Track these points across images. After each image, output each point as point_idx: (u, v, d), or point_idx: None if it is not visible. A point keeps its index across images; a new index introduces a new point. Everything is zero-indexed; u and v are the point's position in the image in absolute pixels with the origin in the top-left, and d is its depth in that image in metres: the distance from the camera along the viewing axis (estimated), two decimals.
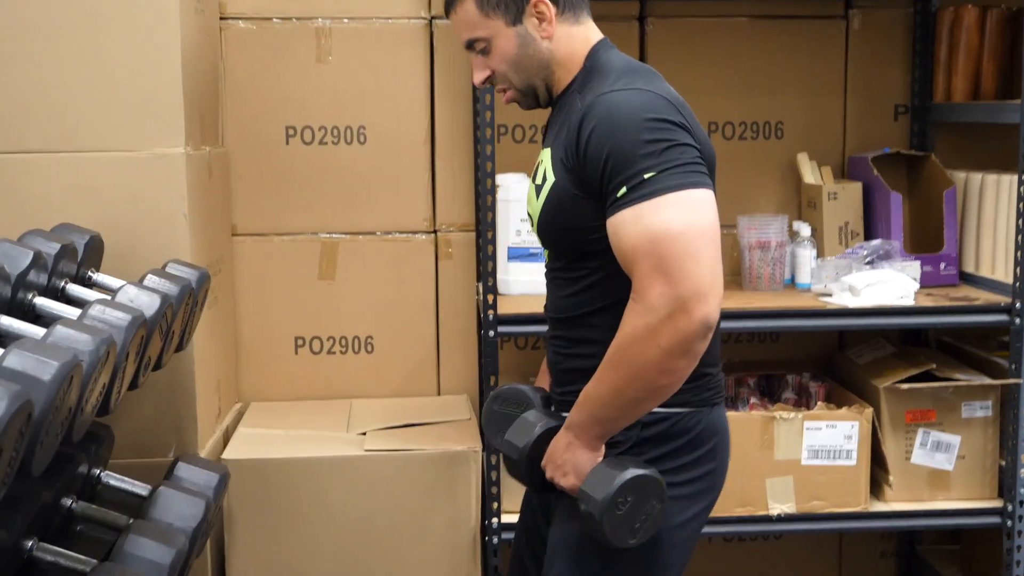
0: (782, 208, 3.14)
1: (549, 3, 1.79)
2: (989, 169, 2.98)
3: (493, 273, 2.58)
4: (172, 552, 1.83)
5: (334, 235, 3.07)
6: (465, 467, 2.66)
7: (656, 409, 1.72)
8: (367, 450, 2.65)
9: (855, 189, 3.02)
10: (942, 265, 2.94)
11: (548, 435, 1.80)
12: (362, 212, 3.06)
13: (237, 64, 2.99)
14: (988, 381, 2.75)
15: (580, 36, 1.84)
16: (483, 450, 2.68)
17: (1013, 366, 2.72)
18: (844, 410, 2.73)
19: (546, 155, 1.83)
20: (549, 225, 1.82)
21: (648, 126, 1.64)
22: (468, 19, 1.82)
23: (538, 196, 1.82)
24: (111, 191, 2.39)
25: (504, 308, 2.64)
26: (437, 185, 3.09)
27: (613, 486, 1.65)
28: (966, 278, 2.97)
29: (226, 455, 2.62)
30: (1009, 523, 2.74)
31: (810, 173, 3.10)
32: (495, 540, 2.66)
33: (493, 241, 2.58)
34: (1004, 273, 2.81)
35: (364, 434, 2.76)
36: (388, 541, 2.65)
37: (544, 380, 2.06)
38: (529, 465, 1.81)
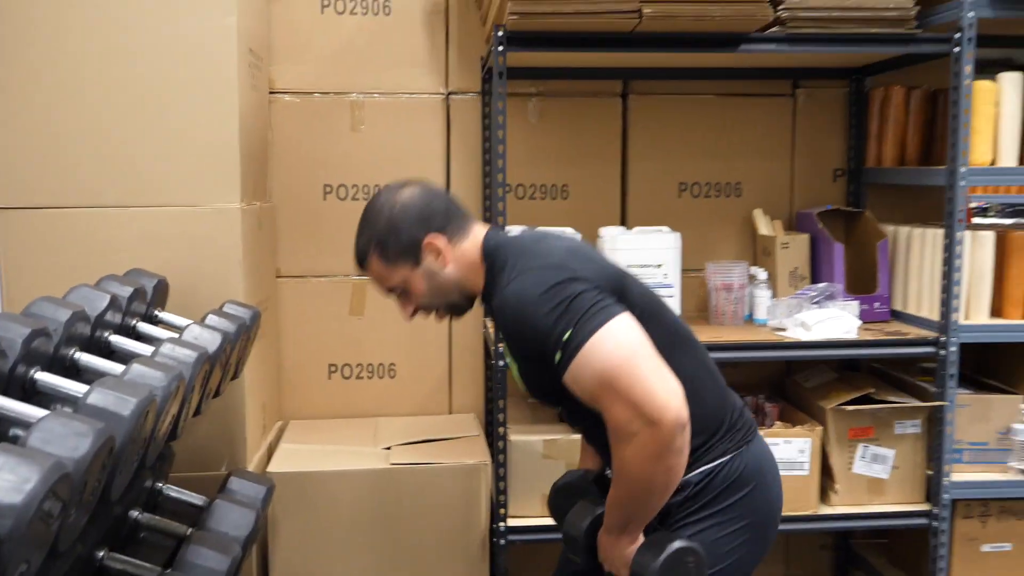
0: (741, 255, 3.06)
1: (439, 239, 1.71)
2: (913, 223, 2.91)
3: None
4: (228, 560, 1.71)
5: (363, 277, 2.95)
6: (476, 478, 2.54)
7: (700, 468, 1.67)
8: (393, 464, 2.54)
9: (803, 240, 2.94)
10: (876, 304, 2.86)
11: (594, 527, 1.71)
12: None
13: (283, 131, 2.89)
14: (917, 403, 2.67)
15: (471, 246, 1.74)
16: (492, 463, 2.57)
17: (938, 390, 2.64)
18: (798, 428, 2.64)
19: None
20: (535, 391, 1.75)
21: (544, 299, 1.54)
22: (379, 274, 1.77)
23: (514, 371, 1.76)
24: (176, 240, 2.28)
25: None
26: None
27: None
28: (896, 315, 2.89)
29: (271, 468, 2.50)
30: (935, 524, 2.66)
31: (765, 226, 3.03)
32: (502, 542, 2.54)
33: None
34: (929, 311, 2.73)
35: (389, 448, 2.64)
36: (411, 543, 2.53)
37: (588, 458, 1.97)
38: (588, 558, 1.74)
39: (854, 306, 2.76)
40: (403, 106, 2.92)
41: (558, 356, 1.53)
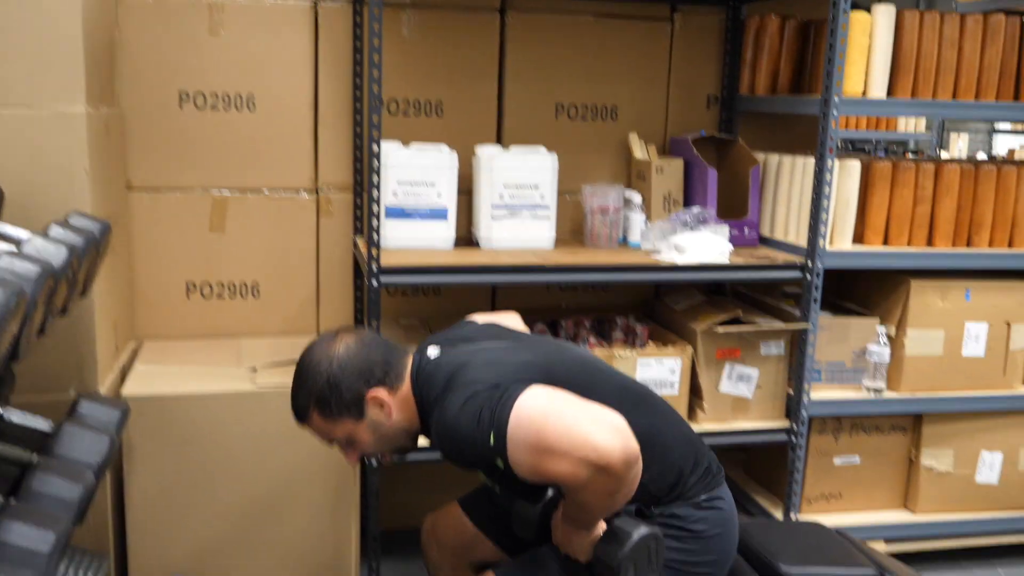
0: (616, 179, 3.05)
1: (381, 391, 1.69)
2: (782, 151, 2.96)
3: (378, 230, 2.37)
4: (80, 488, 1.58)
5: (224, 191, 2.78)
6: None
7: (681, 505, 1.74)
8: (260, 386, 2.42)
9: (678, 165, 2.95)
10: (746, 230, 2.91)
11: (547, 509, 1.68)
12: (251, 172, 2.78)
13: (132, 32, 2.63)
14: (782, 325, 2.74)
15: (407, 388, 1.74)
16: None
17: (801, 313, 2.73)
18: (670, 348, 2.68)
19: None
20: (519, 494, 1.71)
21: (463, 420, 1.57)
22: (321, 428, 1.75)
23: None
24: (13, 146, 2.05)
25: (383, 260, 2.44)
26: (320, 149, 2.83)
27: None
28: (764, 241, 2.95)
29: (126, 391, 2.33)
30: (794, 439, 2.77)
31: (640, 150, 3.01)
32: (373, 462, 2.48)
33: (378, 200, 2.37)
34: (795, 236, 2.80)
35: (255, 370, 2.52)
36: (279, 467, 2.42)
37: None
38: (541, 535, 1.71)
39: (725, 231, 2.79)
40: (267, 10, 2.71)
41: (499, 462, 1.53)
